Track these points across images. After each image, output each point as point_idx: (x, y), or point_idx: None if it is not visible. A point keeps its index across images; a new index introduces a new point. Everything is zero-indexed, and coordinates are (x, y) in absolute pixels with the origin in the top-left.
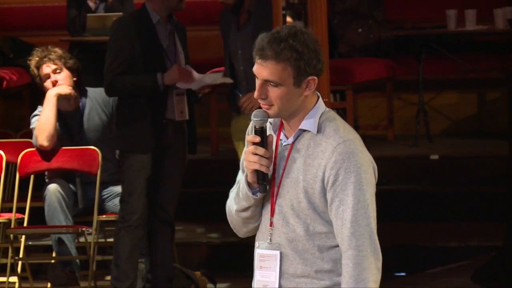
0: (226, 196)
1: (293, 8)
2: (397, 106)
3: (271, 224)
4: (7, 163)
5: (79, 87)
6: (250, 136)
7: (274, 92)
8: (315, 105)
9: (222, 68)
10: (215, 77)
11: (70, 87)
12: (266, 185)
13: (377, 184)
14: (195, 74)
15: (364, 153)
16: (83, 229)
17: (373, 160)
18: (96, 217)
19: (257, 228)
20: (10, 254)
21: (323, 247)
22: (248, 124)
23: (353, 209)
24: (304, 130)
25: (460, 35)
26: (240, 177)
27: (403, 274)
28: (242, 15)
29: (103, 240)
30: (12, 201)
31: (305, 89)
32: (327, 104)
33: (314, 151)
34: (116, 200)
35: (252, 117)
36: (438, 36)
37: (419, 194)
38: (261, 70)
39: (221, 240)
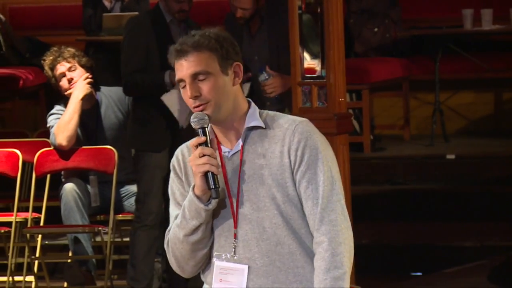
0: None
1: (309, 7)
2: (413, 105)
3: (235, 236)
4: (24, 163)
5: (94, 85)
6: (193, 139)
7: (206, 85)
8: (249, 108)
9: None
10: None
11: (90, 86)
12: (217, 189)
13: (393, 184)
14: None
15: (319, 132)
16: (99, 228)
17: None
18: (112, 216)
19: (205, 258)
20: (26, 254)
21: (306, 244)
22: None
23: (323, 185)
24: (251, 129)
25: (476, 34)
26: (174, 212)
27: (419, 273)
28: (254, 22)
29: (119, 239)
30: (29, 201)
31: (234, 78)
32: (343, 104)
33: (271, 142)
34: (133, 200)
35: (190, 120)
36: (454, 36)
37: (435, 194)
38: (186, 67)
39: None
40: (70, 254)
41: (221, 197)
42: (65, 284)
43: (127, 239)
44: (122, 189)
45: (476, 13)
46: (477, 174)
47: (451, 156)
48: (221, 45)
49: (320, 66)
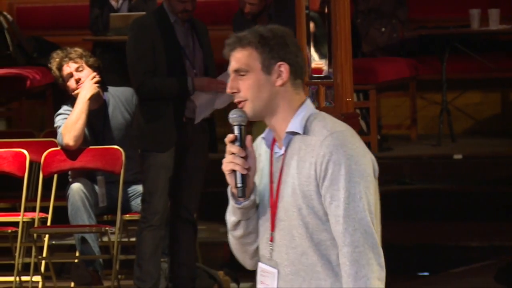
0: None
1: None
2: (420, 105)
3: (271, 239)
4: (31, 163)
5: (101, 85)
6: (228, 136)
7: (243, 82)
8: (301, 106)
9: None
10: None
11: (97, 85)
12: (244, 188)
13: (400, 184)
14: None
15: (355, 144)
16: (106, 228)
17: (370, 153)
18: (119, 216)
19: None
20: (33, 253)
21: (329, 257)
22: None
23: (345, 203)
24: (292, 134)
25: (483, 34)
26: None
27: (426, 273)
28: (261, 19)
29: (126, 239)
30: (36, 201)
31: (277, 79)
32: (350, 103)
33: (306, 151)
34: (139, 200)
35: (229, 115)
36: (461, 36)
37: (442, 193)
38: (231, 62)
39: None
40: (77, 254)
41: (265, 198)
42: (72, 284)
43: (134, 239)
44: (129, 189)
45: (483, 13)
46: (484, 174)
47: (458, 156)
48: (267, 42)
49: (327, 66)
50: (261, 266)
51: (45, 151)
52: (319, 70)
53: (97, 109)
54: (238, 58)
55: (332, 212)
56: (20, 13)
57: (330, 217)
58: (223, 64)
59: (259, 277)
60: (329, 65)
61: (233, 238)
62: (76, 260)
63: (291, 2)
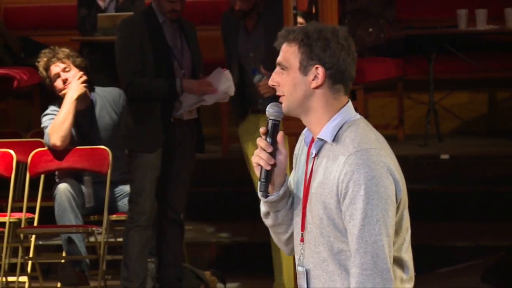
0: (236, 196)
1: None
2: (407, 105)
3: (302, 239)
4: (18, 163)
5: (88, 85)
6: (261, 129)
7: (283, 78)
8: (338, 112)
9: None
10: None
11: (84, 85)
12: (266, 183)
13: None
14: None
15: (379, 164)
16: (93, 228)
17: (395, 173)
18: (106, 217)
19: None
20: (20, 254)
21: (348, 268)
22: (256, 124)
23: (360, 224)
24: (322, 140)
25: (471, 34)
26: None
27: None
28: (250, 18)
29: (113, 239)
30: (22, 201)
31: (313, 81)
32: None
33: (332, 164)
34: (126, 200)
35: (266, 108)
36: (449, 36)
37: (429, 193)
38: (279, 55)
39: (231, 239)
40: (63, 254)
41: (300, 192)
42: (59, 285)
43: (121, 239)
44: (116, 189)
45: (471, 13)
46: (471, 174)
47: (445, 156)
48: (309, 42)
49: None
50: (297, 268)
51: (32, 151)
52: None
53: (84, 110)
54: (283, 52)
55: (350, 230)
56: (8, 13)
57: (348, 234)
58: (212, 64)
59: (298, 280)
60: None
61: (267, 225)
62: (62, 261)
63: (280, 2)
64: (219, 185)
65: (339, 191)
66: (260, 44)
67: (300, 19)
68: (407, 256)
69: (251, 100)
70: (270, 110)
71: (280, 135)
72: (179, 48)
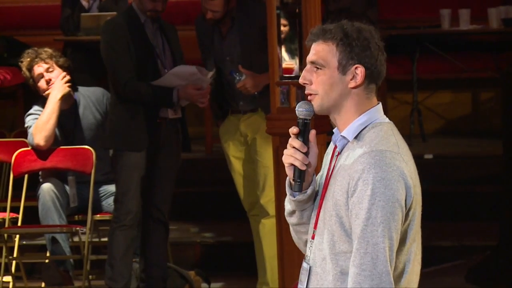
0: (220, 196)
1: (287, 7)
2: (391, 105)
3: (313, 236)
4: (1, 163)
5: (72, 85)
6: (292, 127)
7: (318, 76)
8: (366, 111)
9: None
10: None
11: (68, 85)
12: (301, 183)
13: None
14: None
15: (392, 167)
16: (77, 228)
17: (408, 179)
18: (90, 217)
19: None
20: (4, 254)
21: (345, 270)
22: (236, 124)
23: (363, 224)
24: (346, 138)
25: (454, 34)
26: None
27: None
28: (224, 23)
29: (97, 239)
30: (6, 201)
31: (351, 80)
32: None
33: (349, 162)
34: (111, 200)
35: (296, 108)
36: (432, 36)
37: None
38: (310, 52)
39: (215, 239)
40: (47, 254)
41: (318, 194)
42: (43, 285)
43: (105, 239)
44: (100, 189)
45: (454, 13)
46: (455, 174)
47: (429, 156)
48: (349, 42)
49: (298, 66)
50: (302, 264)
51: (15, 151)
52: (289, 70)
53: (68, 109)
54: (317, 50)
55: (354, 229)
56: None
57: (352, 233)
58: (195, 64)
59: (300, 276)
60: (300, 65)
61: (291, 226)
62: (46, 260)
63: (253, 5)
64: (203, 185)
65: (349, 188)
66: (235, 48)
67: (283, 21)
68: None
69: (231, 101)
70: (300, 109)
71: (312, 134)
72: (160, 48)
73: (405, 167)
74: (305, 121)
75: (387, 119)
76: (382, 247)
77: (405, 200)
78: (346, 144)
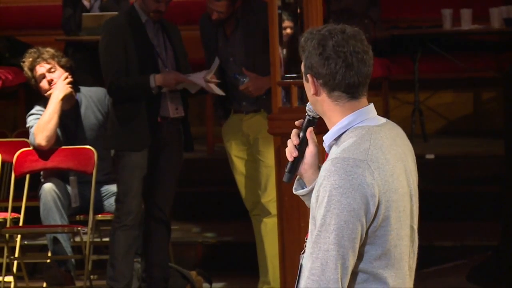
0: (222, 195)
1: (289, 7)
2: (392, 105)
3: (307, 235)
4: (3, 163)
5: (73, 85)
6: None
7: None
8: (345, 117)
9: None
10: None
11: (70, 86)
12: (290, 175)
13: None
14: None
15: (352, 175)
16: (79, 228)
17: (371, 188)
18: (91, 217)
19: None
20: (5, 254)
21: None
22: (238, 124)
23: (318, 230)
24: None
25: (455, 34)
26: None
27: None
28: (229, 23)
29: (98, 239)
30: (8, 201)
31: (311, 88)
32: None
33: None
34: (112, 200)
35: (307, 104)
36: (433, 36)
37: None
38: None
39: (217, 239)
40: (49, 254)
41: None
42: (44, 284)
43: (107, 239)
44: (102, 189)
45: (456, 13)
46: (456, 174)
47: (430, 156)
48: (303, 50)
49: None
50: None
51: (17, 151)
52: None
53: (70, 109)
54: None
55: (311, 232)
56: None
57: None
58: (198, 63)
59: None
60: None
61: None
62: (48, 261)
63: (258, 7)
64: (205, 185)
65: (316, 193)
66: (239, 48)
67: (287, 22)
68: (389, 273)
69: (233, 102)
70: (310, 106)
71: (308, 131)
72: (162, 47)
73: (368, 176)
74: (309, 117)
75: (376, 121)
76: (333, 255)
77: (366, 209)
78: (332, 147)
